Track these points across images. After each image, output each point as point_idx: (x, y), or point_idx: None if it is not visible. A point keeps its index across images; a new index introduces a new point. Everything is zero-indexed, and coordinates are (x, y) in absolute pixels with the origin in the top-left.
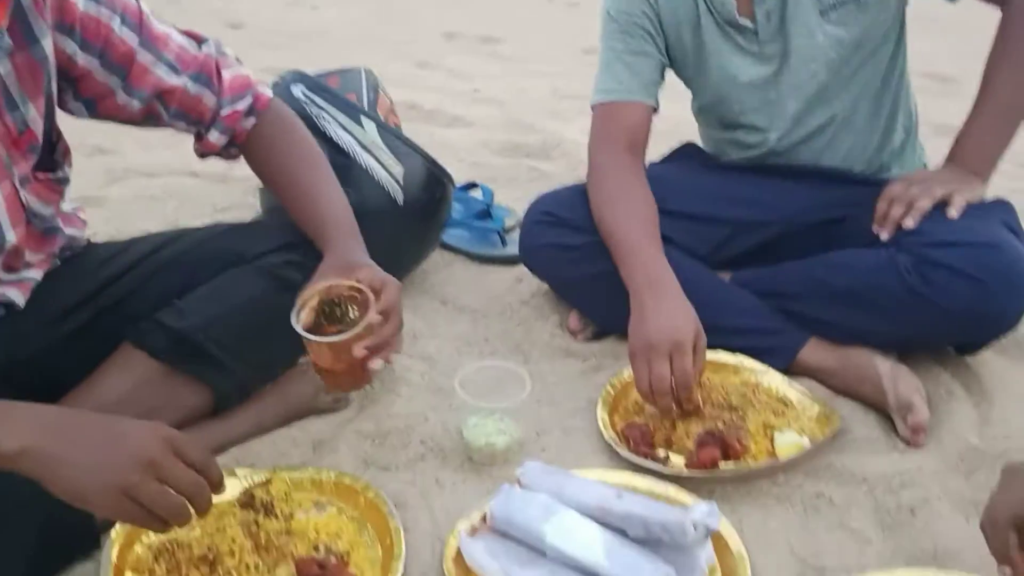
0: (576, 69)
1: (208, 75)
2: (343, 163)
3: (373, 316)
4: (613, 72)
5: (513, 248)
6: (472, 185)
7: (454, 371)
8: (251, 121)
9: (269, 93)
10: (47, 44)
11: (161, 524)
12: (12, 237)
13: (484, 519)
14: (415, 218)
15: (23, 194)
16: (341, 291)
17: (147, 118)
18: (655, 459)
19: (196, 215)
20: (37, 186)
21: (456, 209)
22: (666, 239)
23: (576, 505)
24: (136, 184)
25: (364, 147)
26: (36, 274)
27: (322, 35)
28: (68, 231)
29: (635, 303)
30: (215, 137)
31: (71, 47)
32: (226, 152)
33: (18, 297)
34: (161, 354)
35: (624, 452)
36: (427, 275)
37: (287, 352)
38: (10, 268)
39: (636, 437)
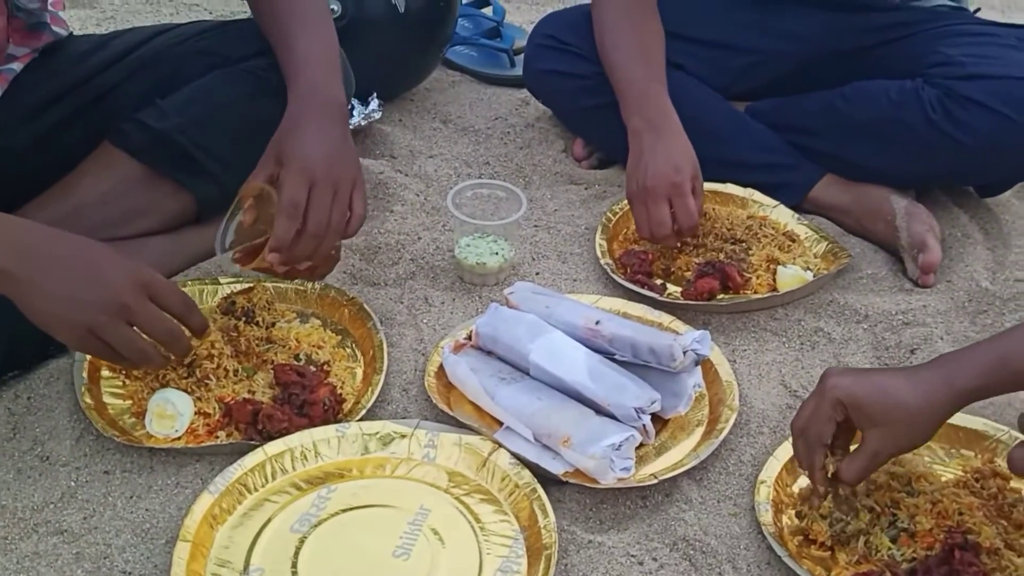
0: None
1: None
2: None
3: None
4: None
5: (521, 70)
6: (484, 2)
7: (450, 189)
8: None
9: None
10: None
11: (130, 364)
12: None
13: (469, 336)
14: (417, 29)
15: None
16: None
17: None
18: (651, 287)
19: None
20: None
21: (464, 27)
22: (679, 66)
23: (564, 326)
24: None
25: None
26: (16, 66)
27: None
28: (55, 29)
29: (633, 144)
30: None
31: None
32: None
33: None
34: (142, 155)
35: (620, 279)
36: (429, 94)
37: None
38: None
39: (634, 265)
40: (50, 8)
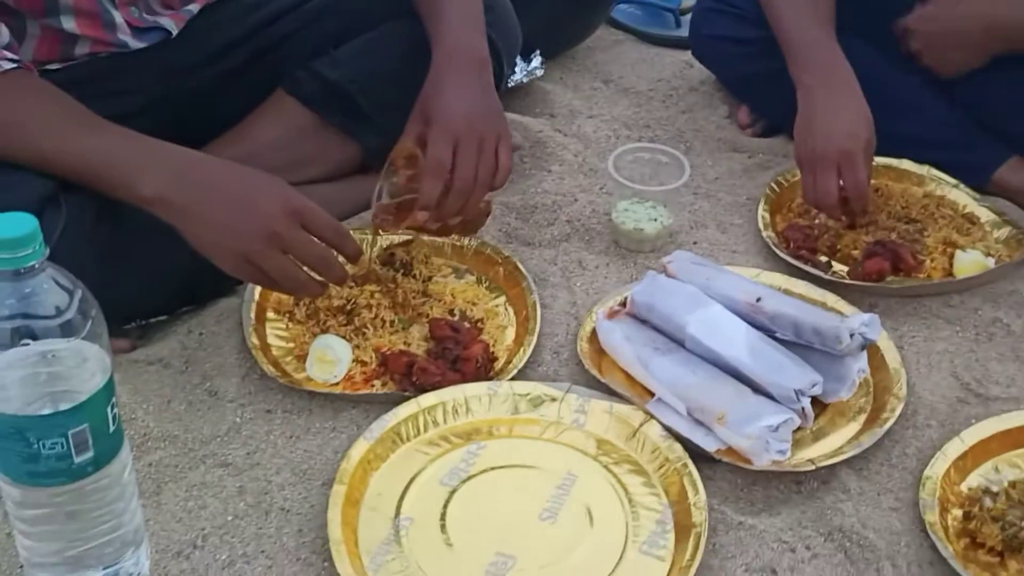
0: None
1: None
2: None
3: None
4: None
5: (687, 30)
6: None
7: (609, 152)
8: None
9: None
10: None
11: (289, 291)
12: None
13: (624, 303)
14: None
15: None
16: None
17: None
18: (816, 264)
19: None
20: None
21: None
22: (848, 30)
23: (723, 300)
24: None
25: None
26: (193, 7)
27: None
28: None
29: (802, 102)
30: None
31: None
32: None
33: (171, 25)
34: (314, 103)
35: (783, 254)
36: (592, 52)
37: None
38: (168, 5)
39: (798, 239)
40: None
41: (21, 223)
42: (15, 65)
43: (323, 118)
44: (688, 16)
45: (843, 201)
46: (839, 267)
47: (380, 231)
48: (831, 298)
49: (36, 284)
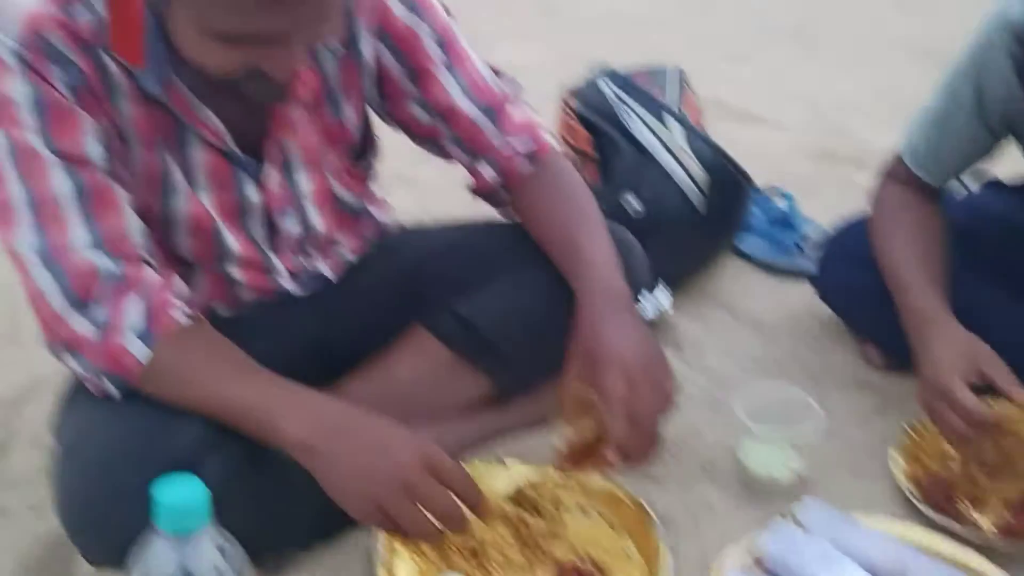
0: (905, 71)
1: (496, 109)
2: (642, 162)
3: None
4: (926, 134)
5: (813, 263)
6: (775, 190)
7: (735, 387)
8: (527, 165)
9: (552, 141)
10: (366, 48)
11: (412, 538)
12: (320, 224)
13: (757, 559)
14: (711, 224)
15: (333, 185)
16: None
17: (430, 136)
18: (960, 519)
19: None
20: (347, 178)
21: (754, 214)
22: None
23: (860, 559)
24: (445, 165)
25: (667, 148)
26: (347, 253)
27: (628, 20)
28: (378, 215)
29: (914, 345)
30: (488, 174)
31: (382, 51)
32: (497, 194)
33: (328, 272)
34: (451, 341)
35: (922, 506)
36: (716, 281)
37: None
38: (322, 251)
39: (936, 490)
40: (372, 194)
41: (190, 492)
42: (188, 318)
43: (459, 356)
44: (814, 249)
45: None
46: (985, 521)
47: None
48: (975, 559)
49: (198, 545)
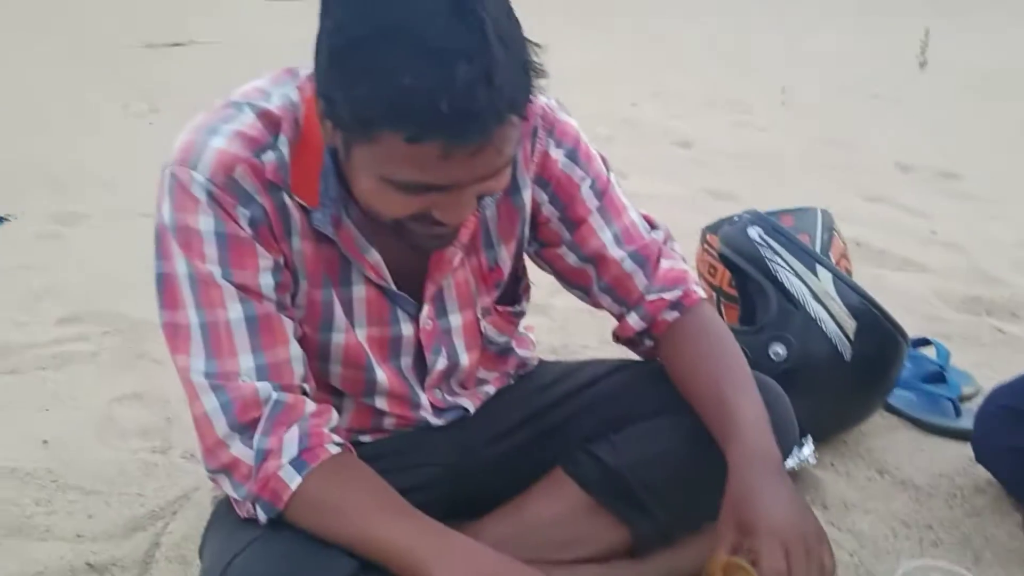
0: None
1: (646, 258)
2: (790, 310)
3: None
4: None
5: (968, 421)
6: (924, 341)
7: (887, 555)
8: (674, 315)
9: (701, 293)
10: (527, 194)
11: None
12: (466, 360)
13: None
14: (861, 376)
15: (482, 323)
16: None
17: (578, 280)
18: None
19: None
20: (496, 318)
21: (905, 368)
22: None
23: None
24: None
25: (816, 297)
26: (490, 388)
27: (771, 158)
28: (520, 352)
29: None
30: (633, 320)
31: (541, 197)
32: (640, 340)
33: (469, 405)
34: (591, 486)
35: None
36: (866, 438)
37: (713, 507)
38: (464, 385)
39: None
40: (521, 331)
41: None
42: (340, 449)
43: (599, 501)
44: (969, 404)
45: None
46: None
47: None
48: None
49: None
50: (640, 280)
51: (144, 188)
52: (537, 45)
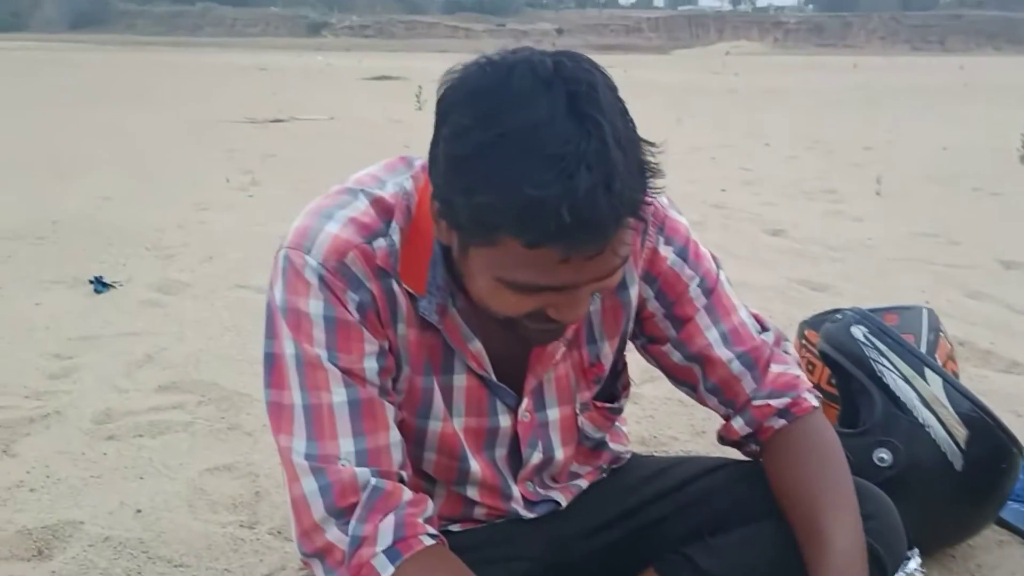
0: None
1: (755, 360)
2: (897, 415)
3: None
4: None
5: None
6: None
7: None
8: (781, 422)
9: (812, 401)
10: (633, 291)
11: None
12: (561, 455)
13: None
14: (972, 488)
15: (580, 419)
16: None
17: (684, 377)
18: None
19: None
20: (594, 413)
21: (1019, 480)
22: None
23: None
24: (668, 385)
25: (925, 402)
26: (583, 482)
27: (866, 249)
28: (614, 446)
29: None
30: (739, 425)
31: (647, 293)
32: (745, 444)
33: (561, 498)
34: None
35: None
36: (975, 553)
37: None
38: (556, 479)
39: None
40: (615, 425)
41: None
42: (434, 541)
43: None
44: None
45: None
46: None
47: None
48: None
49: None
50: (748, 383)
51: (242, 259)
52: (652, 144)
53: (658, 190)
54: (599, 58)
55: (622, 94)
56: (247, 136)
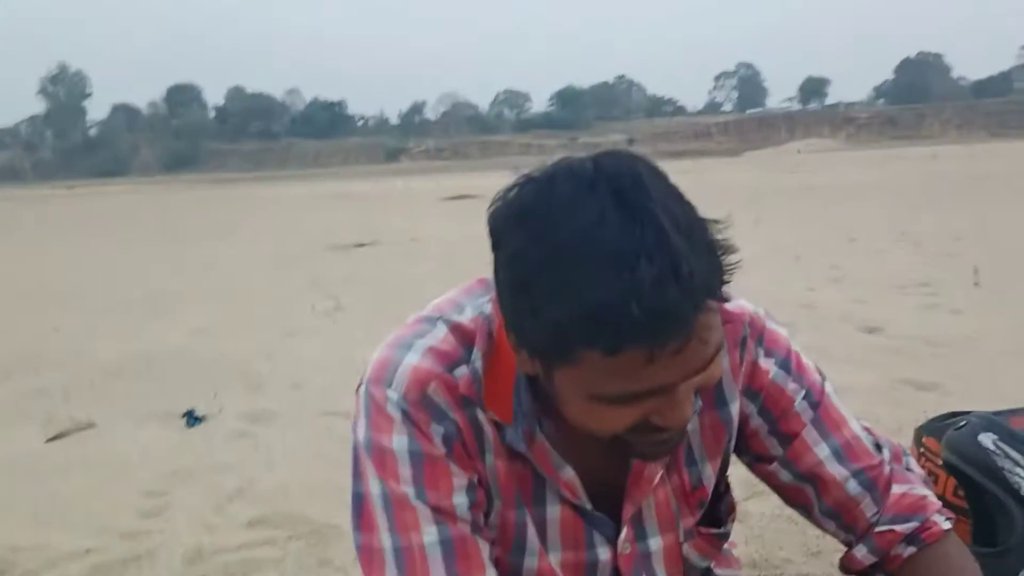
0: None
1: (874, 480)
2: None
3: None
4: None
5: None
6: None
7: None
8: (910, 550)
9: (944, 524)
10: (734, 408)
11: None
12: None
13: None
14: None
15: (684, 547)
16: None
17: (797, 498)
18: None
19: None
20: (699, 540)
21: None
22: None
23: None
24: (776, 500)
25: None
26: None
27: (971, 343)
28: (721, 573)
29: None
30: (862, 553)
31: (750, 408)
32: (871, 574)
33: None
34: None
35: None
36: None
37: None
38: None
39: None
40: (724, 549)
41: None
42: None
43: None
44: None
45: None
46: None
47: None
48: None
49: None
50: (868, 507)
51: (328, 386)
52: (716, 222)
53: (733, 266)
54: (670, 164)
55: (696, 198)
56: (331, 263)
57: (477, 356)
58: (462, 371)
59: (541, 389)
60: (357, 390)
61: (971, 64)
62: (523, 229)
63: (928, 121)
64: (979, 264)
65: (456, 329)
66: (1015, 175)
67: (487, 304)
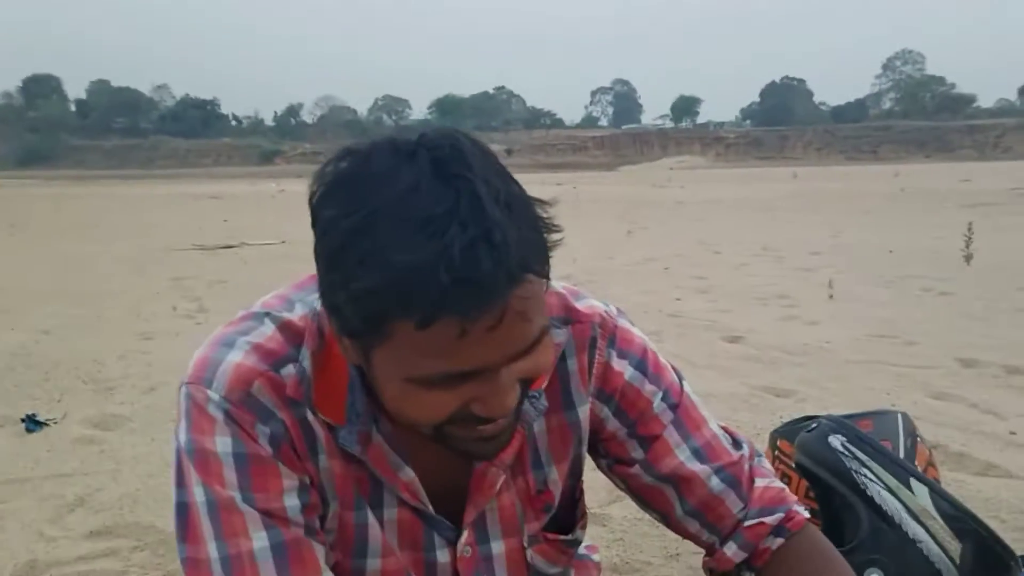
0: None
1: (737, 476)
2: (884, 530)
3: None
4: None
5: None
6: None
7: None
8: (779, 541)
9: (805, 514)
10: (583, 411)
11: None
12: None
13: None
14: None
15: (529, 552)
16: None
17: (657, 503)
18: None
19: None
20: (545, 546)
21: None
22: None
23: None
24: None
25: (913, 514)
26: None
27: (825, 352)
28: None
29: None
30: (732, 551)
31: (604, 412)
32: (737, 574)
33: None
34: None
35: None
36: None
37: None
38: None
39: None
40: (582, 553)
41: None
42: None
43: None
44: None
45: None
46: None
47: None
48: None
49: None
50: (734, 503)
51: None
52: (543, 202)
53: (555, 243)
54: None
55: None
56: (196, 264)
57: (305, 355)
58: (289, 370)
59: (374, 390)
60: (177, 392)
61: (831, 90)
62: (337, 200)
63: (791, 143)
64: (833, 278)
65: (284, 327)
66: (867, 195)
67: (318, 300)
